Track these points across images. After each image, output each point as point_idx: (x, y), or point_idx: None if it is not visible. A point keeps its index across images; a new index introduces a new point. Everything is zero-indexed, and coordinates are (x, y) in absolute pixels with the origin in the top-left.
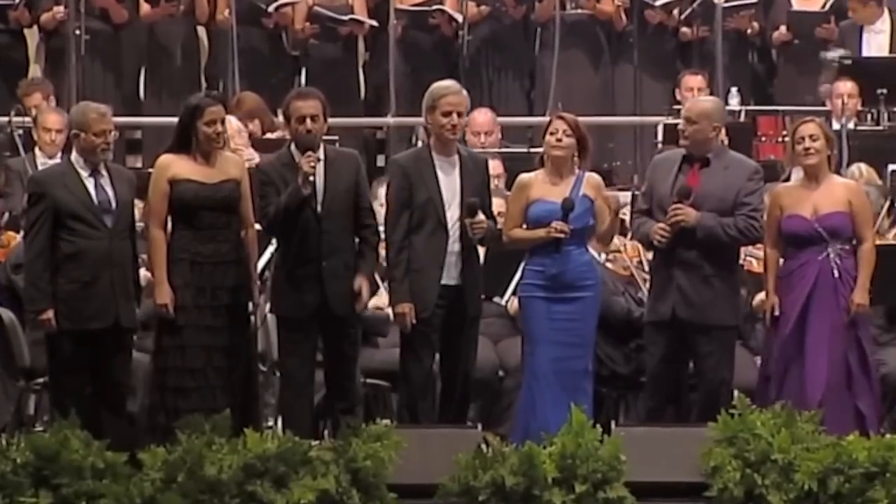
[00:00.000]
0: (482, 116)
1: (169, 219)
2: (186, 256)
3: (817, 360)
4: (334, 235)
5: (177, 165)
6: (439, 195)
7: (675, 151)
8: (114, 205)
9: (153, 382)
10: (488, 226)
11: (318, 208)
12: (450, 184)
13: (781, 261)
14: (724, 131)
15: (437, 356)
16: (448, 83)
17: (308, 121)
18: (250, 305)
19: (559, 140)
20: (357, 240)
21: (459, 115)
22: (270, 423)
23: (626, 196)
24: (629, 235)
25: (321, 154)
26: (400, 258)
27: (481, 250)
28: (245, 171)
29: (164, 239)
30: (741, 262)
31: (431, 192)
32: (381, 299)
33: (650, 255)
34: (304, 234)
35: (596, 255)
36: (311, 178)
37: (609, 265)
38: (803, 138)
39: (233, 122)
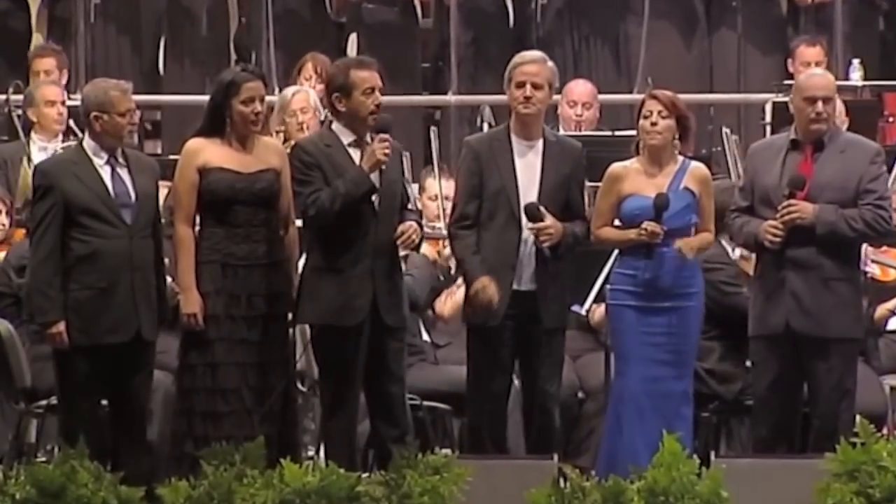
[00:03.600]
0: (580, 86)
1: (198, 214)
2: (217, 258)
3: None
4: (386, 233)
5: (208, 152)
6: (514, 183)
7: (776, 137)
8: (133, 198)
9: (179, 406)
10: (561, 230)
11: (375, 199)
12: (528, 171)
13: None
14: (843, 111)
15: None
16: (530, 52)
17: (377, 93)
18: (290, 316)
19: (654, 124)
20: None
21: (536, 87)
22: (311, 453)
23: None
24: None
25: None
26: (466, 241)
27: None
28: (286, 160)
29: (192, 237)
30: (864, 269)
31: (505, 180)
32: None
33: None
34: (356, 230)
35: (730, 250)
36: (384, 167)
37: (745, 264)
38: None
39: (311, 95)
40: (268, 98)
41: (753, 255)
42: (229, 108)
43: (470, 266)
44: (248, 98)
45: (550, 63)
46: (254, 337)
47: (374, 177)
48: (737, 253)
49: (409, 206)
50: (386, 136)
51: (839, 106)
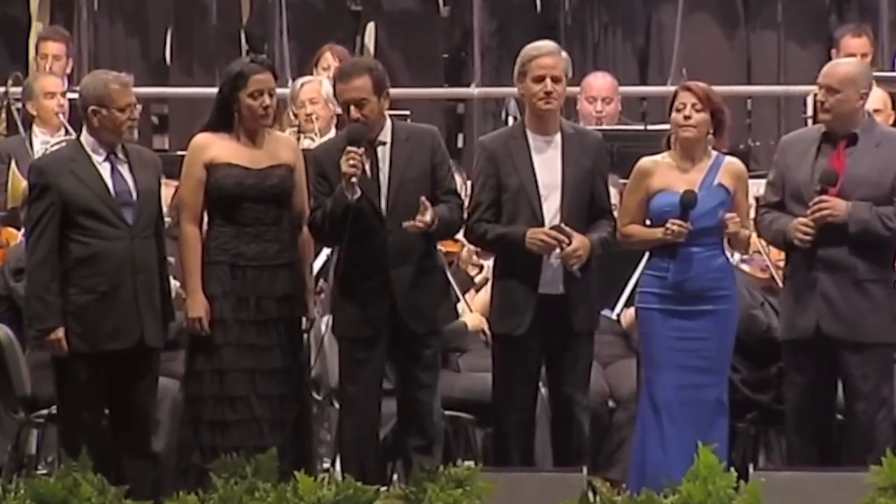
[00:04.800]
0: (600, 80)
1: (205, 213)
2: (225, 259)
3: None
4: (404, 236)
5: (216, 147)
6: (534, 183)
7: (808, 129)
8: (135, 196)
9: (185, 415)
10: (588, 247)
11: (383, 205)
12: (548, 169)
13: None
14: (889, 103)
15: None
16: (542, 43)
17: (352, 108)
18: (304, 321)
19: (687, 118)
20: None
21: (555, 80)
22: (327, 465)
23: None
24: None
25: (387, 137)
26: (488, 226)
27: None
28: (299, 155)
29: (199, 237)
30: None
31: (524, 179)
32: (467, 318)
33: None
34: (366, 237)
35: (728, 255)
36: (354, 180)
37: (744, 267)
38: None
39: (324, 85)
40: (280, 90)
41: (755, 259)
42: (237, 102)
43: (509, 232)
44: (256, 91)
45: (564, 53)
46: (263, 342)
47: (384, 177)
48: (736, 257)
49: (448, 190)
50: (352, 148)
51: (883, 98)
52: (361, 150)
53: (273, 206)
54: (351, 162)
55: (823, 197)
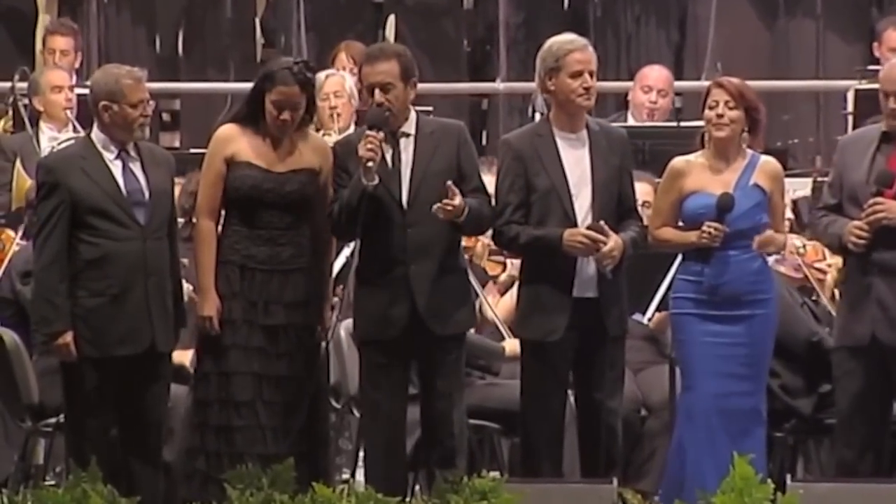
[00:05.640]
0: (656, 71)
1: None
2: (236, 259)
3: None
4: (425, 231)
5: (238, 142)
6: (564, 182)
7: (869, 129)
8: (147, 195)
9: (193, 419)
10: (622, 247)
11: (404, 197)
12: (577, 166)
13: None
14: None
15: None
16: (571, 36)
17: (376, 92)
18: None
19: (720, 116)
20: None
21: (591, 74)
22: (346, 475)
23: (804, 184)
24: (806, 234)
25: (411, 129)
26: (519, 228)
27: None
28: (330, 158)
29: (213, 232)
30: None
31: (554, 179)
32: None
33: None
34: (386, 232)
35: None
36: (371, 165)
37: (780, 268)
38: None
39: (347, 80)
40: None
41: (788, 259)
42: (264, 101)
43: (544, 234)
44: (276, 101)
45: (591, 47)
46: (272, 348)
47: (406, 169)
48: (771, 259)
49: (475, 188)
50: (371, 132)
51: None
52: (381, 135)
53: (290, 212)
54: (369, 146)
55: (878, 199)
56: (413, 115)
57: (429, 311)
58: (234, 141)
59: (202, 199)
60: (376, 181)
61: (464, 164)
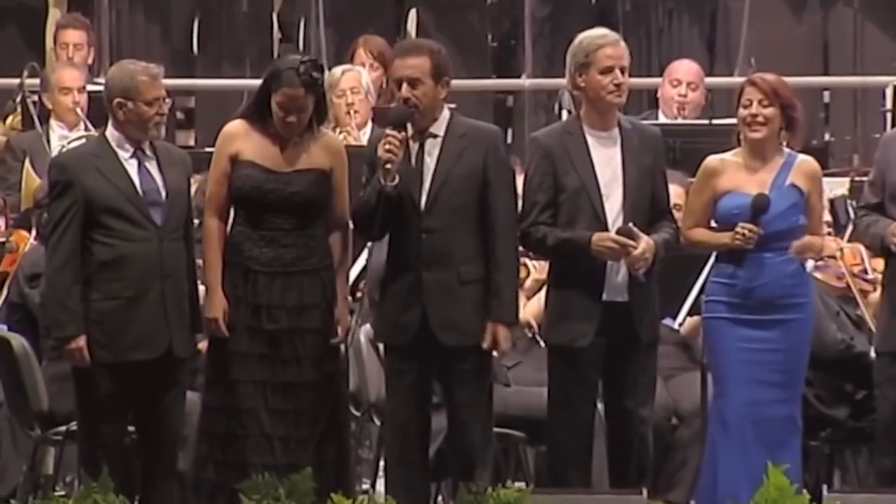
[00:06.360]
0: (685, 66)
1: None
2: (239, 260)
3: None
4: (443, 237)
5: (244, 140)
6: (595, 182)
7: None
8: (163, 195)
9: (202, 427)
10: (654, 249)
11: (423, 199)
12: (608, 165)
13: None
14: None
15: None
16: (601, 31)
17: (403, 86)
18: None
19: (755, 115)
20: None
21: (623, 70)
22: (366, 485)
23: (842, 183)
24: (845, 236)
25: (440, 130)
26: (548, 230)
27: None
28: (342, 158)
29: (220, 231)
30: None
31: (584, 178)
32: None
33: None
34: (403, 235)
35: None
36: (390, 167)
37: (818, 275)
38: None
39: (364, 75)
40: None
41: (830, 266)
42: (270, 99)
43: (573, 237)
44: (281, 102)
45: (622, 42)
46: (276, 354)
47: (429, 170)
48: (810, 264)
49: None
50: (392, 132)
51: None
52: (402, 134)
53: (295, 213)
54: (387, 146)
55: None
56: (446, 116)
57: (439, 322)
58: (239, 138)
59: (209, 197)
60: (396, 182)
61: (491, 170)
